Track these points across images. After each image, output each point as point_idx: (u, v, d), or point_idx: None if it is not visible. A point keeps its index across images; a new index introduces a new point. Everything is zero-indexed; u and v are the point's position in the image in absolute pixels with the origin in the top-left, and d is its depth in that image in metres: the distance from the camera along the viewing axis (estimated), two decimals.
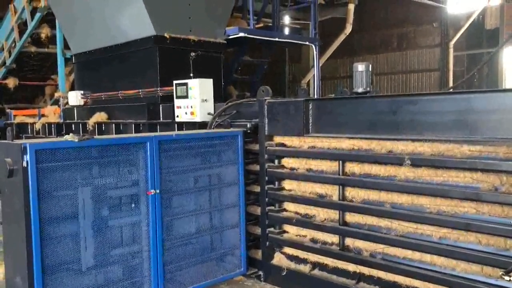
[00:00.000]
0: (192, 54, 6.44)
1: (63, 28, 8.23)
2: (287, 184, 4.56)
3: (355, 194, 3.96)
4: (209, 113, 5.36)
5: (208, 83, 5.51)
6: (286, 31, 12.80)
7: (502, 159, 3.10)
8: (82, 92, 7.53)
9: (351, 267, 4.02)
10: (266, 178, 4.63)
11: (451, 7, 17.28)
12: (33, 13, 9.29)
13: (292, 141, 4.48)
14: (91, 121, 6.97)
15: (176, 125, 5.77)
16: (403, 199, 3.64)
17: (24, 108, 10.27)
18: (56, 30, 8.82)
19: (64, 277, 3.45)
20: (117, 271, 3.76)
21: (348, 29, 12.85)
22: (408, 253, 3.65)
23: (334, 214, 4.13)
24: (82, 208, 3.53)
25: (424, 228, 3.52)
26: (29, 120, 8.89)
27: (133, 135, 5.26)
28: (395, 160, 3.61)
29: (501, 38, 16.41)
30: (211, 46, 6.84)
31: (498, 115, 3.13)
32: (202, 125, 5.35)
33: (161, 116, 6.10)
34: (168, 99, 5.97)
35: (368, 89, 4.28)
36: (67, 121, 7.82)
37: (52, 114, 8.33)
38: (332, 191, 4.13)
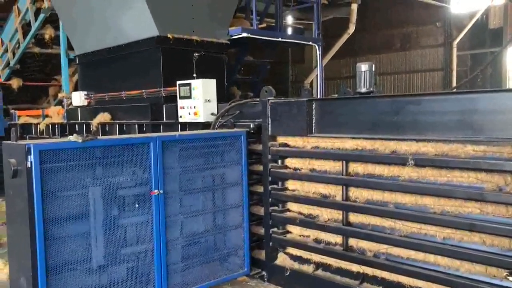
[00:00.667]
0: (195, 54, 6.45)
1: (66, 29, 8.25)
2: (291, 184, 4.56)
3: (358, 194, 3.96)
4: (212, 114, 5.37)
5: (211, 83, 5.52)
6: (289, 31, 12.77)
7: (507, 159, 3.10)
8: (85, 92, 7.56)
9: (354, 267, 4.01)
10: (270, 178, 4.63)
11: (454, 6, 17.21)
12: (36, 14, 9.31)
13: (296, 141, 4.48)
14: (95, 122, 6.98)
15: (179, 125, 5.78)
16: (407, 199, 3.63)
17: (28, 108, 10.27)
18: (59, 31, 8.84)
19: (68, 277, 3.46)
20: (120, 271, 3.77)
21: (351, 29, 12.79)
22: (412, 254, 3.64)
23: (337, 214, 4.13)
24: (86, 208, 3.54)
25: (428, 228, 3.52)
26: (33, 120, 8.90)
27: (137, 135, 5.27)
28: (399, 160, 3.61)
29: (505, 37, 16.33)
30: (214, 46, 6.85)
31: (502, 115, 3.13)
32: (206, 125, 5.35)
33: (164, 116, 6.10)
34: (171, 99, 5.98)
35: (371, 89, 4.28)
36: (71, 121, 7.83)
37: (56, 114, 8.33)
38: (335, 191, 4.13)
